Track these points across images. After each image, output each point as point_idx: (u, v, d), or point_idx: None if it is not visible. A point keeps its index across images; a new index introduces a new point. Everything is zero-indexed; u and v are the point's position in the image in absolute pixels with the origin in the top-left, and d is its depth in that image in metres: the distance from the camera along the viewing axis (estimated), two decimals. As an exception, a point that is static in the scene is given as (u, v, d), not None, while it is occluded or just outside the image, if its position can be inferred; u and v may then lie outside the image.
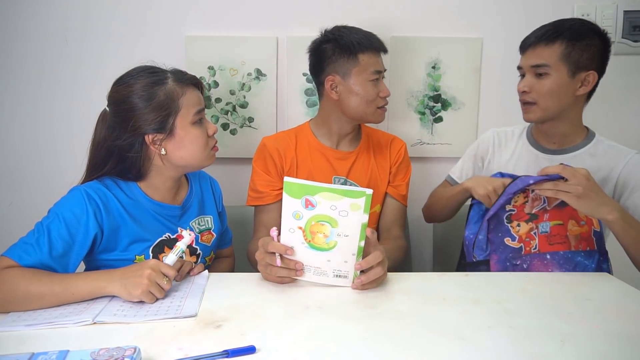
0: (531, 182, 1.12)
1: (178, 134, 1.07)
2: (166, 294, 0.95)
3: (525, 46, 1.27)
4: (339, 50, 1.33)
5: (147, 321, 0.85)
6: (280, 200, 1.42)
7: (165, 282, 0.93)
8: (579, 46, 1.20)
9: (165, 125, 1.06)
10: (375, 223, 1.47)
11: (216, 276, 1.08)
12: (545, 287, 1.01)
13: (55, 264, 0.97)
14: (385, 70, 1.39)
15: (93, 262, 1.08)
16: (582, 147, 1.30)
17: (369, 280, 0.97)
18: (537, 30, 1.26)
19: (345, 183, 1.42)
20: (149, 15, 1.65)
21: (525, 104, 1.28)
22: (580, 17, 1.67)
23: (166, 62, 1.20)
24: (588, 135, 1.32)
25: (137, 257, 1.08)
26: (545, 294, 0.98)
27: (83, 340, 0.78)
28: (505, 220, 1.17)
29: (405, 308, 0.91)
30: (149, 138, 1.07)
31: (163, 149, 1.08)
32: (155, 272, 0.92)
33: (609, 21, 1.69)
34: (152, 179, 1.12)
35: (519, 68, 1.30)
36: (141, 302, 0.92)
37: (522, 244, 1.16)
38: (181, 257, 1.01)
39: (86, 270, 1.10)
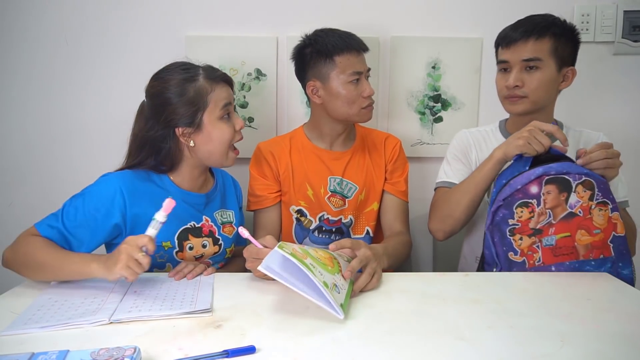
0: (552, 172, 1.08)
1: (206, 128, 1.15)
2: (176, 289, 0.98)
3: (512, 40, 1.26)
4: (316, 54, 1.34)
5: (163, 317, 0.86)
6: (278, 203, 1.44)
7: (141, 256, 0.92)
8: (563, 41, 1.24)
9: (194, 119, 1.14)
10: (374, 220, 1.47)
11: (216, 276, 1.08)
12: (545, 287, 1.01)
13: (71, 235, 1.05)
14: (368, 69, 1.38)
15: None
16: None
17: (359, 288, 0.97)
18: (520, 25, 1.26)
19: (341, 182, 1.43)
20: (149, 15, 1.66)
21: (511, 97, 1.28)
22: (580, 17, 1.68)
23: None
24: (557, 124, 1.36)
25: (162, 242, 1.13)
26: (545, 294, 0.98)
27: (83, 340, 0.78)
28: (507, 234, 1.11)
29: (405, 308, 0.91)
30: (179, 131, 1.15)
31: (192, 142, 1.15)
32: (130, 246, 0.92)
33: (609, 21, 1.69)
34: (182, 169, 1.20)
35: (502, 62, 1.30)
36: (151, 297, 0.93)
37: (524, 258, 1.12)
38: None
39: None
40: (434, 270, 1.71)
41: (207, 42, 1.66)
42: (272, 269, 0.84)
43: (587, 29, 1.69)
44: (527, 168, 1.11)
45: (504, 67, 1.30)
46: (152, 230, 0.95)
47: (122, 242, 0.94)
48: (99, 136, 1.69)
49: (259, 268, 0.84)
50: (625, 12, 1.69)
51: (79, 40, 1.66)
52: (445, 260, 1.67)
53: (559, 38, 1.23)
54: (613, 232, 1.10)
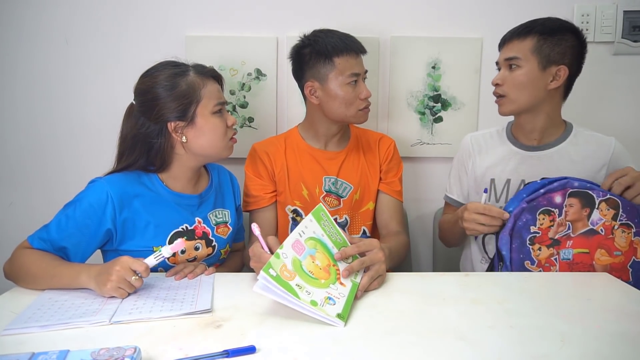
0: (541, 191, 1.10)
1: (198, 122, 1.13)
2: (177, 289, 0.98)
3: (502, 42, 1.31)
4: (315, 55, 1.34)
5: (163, 318, 0.86)
6: (274, 203, 1.43)
7: (134, 279, 0.93)
8: (550, 40, 1.23)
9: (187, 113, 1.12)
10: (370, 220, 1.48)
11: (217, 276, 1.08)
12: (545, 287, 1.01)
13: (63, 245, 1.04)
14: (366, 71, 1.38)
15: (113, 254, 1.11)
16: (563, 140, 1.32)
17: (362, 289, 0.97)
18: (514, 27, 1.29)
19: (335, 182, 1.43)
20: (149, 15, 1.66)
21: (497, 97, 1.31)
22: (580, 17, 1.68)
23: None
24: (567, 127, 1.35)
25: (154, 248, 1.12)
26: (545, 294, 0.98)
27: (83, 340, 0.78)
28: (527, 242, 1.11)
29: (405, 308, 0.91)
30: (171, 126, 1.12)
31: (184, 137, 1.13)
32: (123, 269, 0.92)
33: (609, 21, 1.69)
34: (173, 169, 1.17)
35: (496, 64, 1.34)
36: (152, 298, 0.93)
37: (540, 269, 1.11)
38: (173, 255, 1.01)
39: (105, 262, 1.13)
40: (434, 270, 1.72)
41: (207, 42, 1.66)
42: (267, 287, 0.83)
43: (587, 29, 1.69)
44: (526, 196, 1.13)
45: (497, 68, 1.34)
46: (152, 260, 0.95)
47: (115, 261, 0.93)
48: (99, 136, 1.69)
49: (254, 289, 0.84)
50: (625, 12, 1.69)
51: (79, 40, 1.66)
52: (446, 260, 1.67)
53: (544, 37, 1.23)
54: (633, 257, 1.09)
